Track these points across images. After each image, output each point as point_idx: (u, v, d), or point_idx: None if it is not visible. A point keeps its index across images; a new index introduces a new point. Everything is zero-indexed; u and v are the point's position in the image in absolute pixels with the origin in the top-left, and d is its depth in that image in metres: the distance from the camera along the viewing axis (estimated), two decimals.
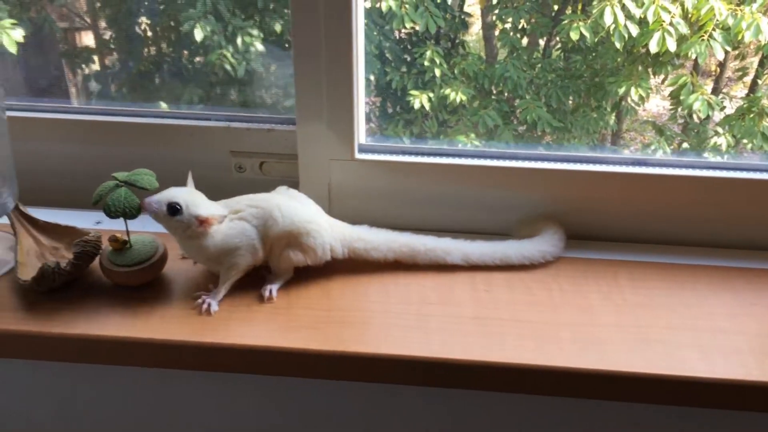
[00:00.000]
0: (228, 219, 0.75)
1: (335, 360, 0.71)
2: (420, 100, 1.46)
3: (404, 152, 0.86)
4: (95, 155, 0.94)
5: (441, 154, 0.86)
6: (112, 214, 0.73)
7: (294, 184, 0.91)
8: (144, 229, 0.80)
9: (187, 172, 0.87)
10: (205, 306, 0.74)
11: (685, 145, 1.56)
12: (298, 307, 0.77)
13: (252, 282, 0.78)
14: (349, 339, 0.72)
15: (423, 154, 0.86)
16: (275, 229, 0.76)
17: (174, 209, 0.72)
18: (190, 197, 0.73)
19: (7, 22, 1.18)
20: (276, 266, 0.79)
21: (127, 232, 0.77)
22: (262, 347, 0.72)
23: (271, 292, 0.77)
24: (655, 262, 0.84)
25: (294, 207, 0.78)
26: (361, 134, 0.86)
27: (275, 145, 0.90)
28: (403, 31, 1.51)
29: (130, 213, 0.73)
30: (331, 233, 0.79)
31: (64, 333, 0.72)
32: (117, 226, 0.80)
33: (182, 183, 0.78)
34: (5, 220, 0.82)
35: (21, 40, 1.17)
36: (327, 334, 0.73)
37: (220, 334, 0.73)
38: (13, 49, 1.15)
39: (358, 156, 0.85)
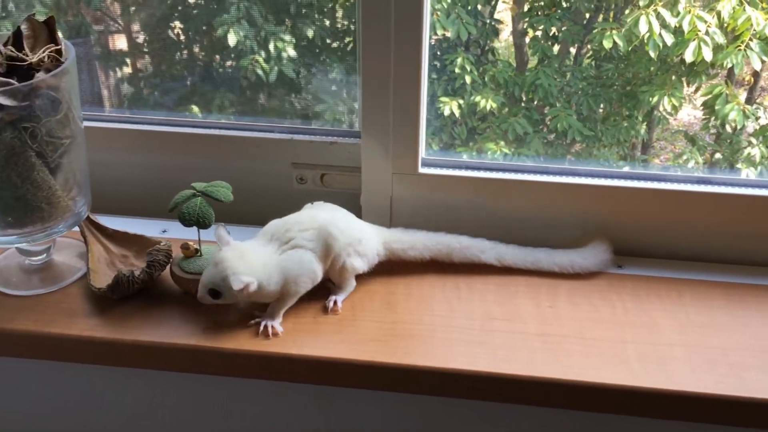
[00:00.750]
0: (281, 251, 0.75)
1: (402, 373, 0.72)
2: (450, 107, 1.47)
3: (467, 167, 0.87)
4: (160, 165, 0.96)
5: (503, 170, 0.87)
6: (186, 222, 0.75)
7: (355, 197, 0.92)
8: (239, 236, 0.81)
9: (249, 182, 0.88)
10: (269, 330, 0.74)
11: (717, 155, 1.55)
12: (364, 320, 0.77)
13: (316, 293, 0.79)
14: (416, 352, 0.73)
15: (485, 169, 0.87)
16: (337, 246, 0.76)
17: (215, 293, 0.73)
18: (232, 265, 0.71)
19: None
20: (339, 279, 0.80)
21: (199, 241, 0.79)
22: (329, 359, 0.73)
23: (336, 303, 0.78)
24: (718, 281, 0.84)
25: (344, 219, 0.79)
26: (423, 148, 0.87)
27: (337, 158, 0.92)
28: (432, 37, 1.51)
29: (203, 223, 0.75)
30: (373, 233, 0.81)
31: (136, 340, 0.74)
32: (184, 235, 0.82)
33: (245, 194, 0.80)
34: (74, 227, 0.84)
35: None
36: (393, 346, 0.74)
37: (287, 344, 0.74)
38: None
39: (421, 170, 0.86)
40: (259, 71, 1.22)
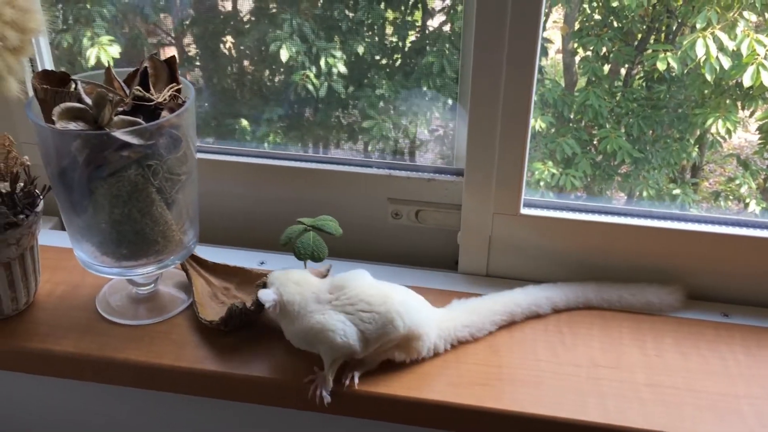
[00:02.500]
0: (329, 307, 0.72)
1: (510, 419, 0.71)
2: None
3: (570, 209, 0.86)
4: (256, 197, 0.97)
5: (606, 212, 0.86)
6: (301, 256, 0.77)
7: (450, 233, 0.92)
8: (335, 271, 0.82)
9: (344, 215, 0.89)
10: (318, 395, 0.72)
11: None
12: (467, 362, 0.77)
13: None
14: (524, 399, 0.72)
15: (589, 211, 0.86)
16: (393, 335, 0.73)
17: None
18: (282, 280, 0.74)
19: (105, 38, 1.24)
20: (369, 358, 0.75)
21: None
22: (435, 402, 0.73)
23: (353, 378, 0.73)
24: None
25: (414, 309, 0.74)
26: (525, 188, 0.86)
27: (433, 194, 0.92)
28: None
29: (317, 256, 0.77)
30: (437, 333, 0.77)
31: (249, 375, 0.75)
32: (282, 267, 0.82)
33: (342, 226, 0.81)
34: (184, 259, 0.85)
35: (117, 56, 1.23)
36: (500, 392, 0.73)
37: (393, 385, 0.74)
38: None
39: (523, 211, 0.86)
40: (309, 86, 1.24)
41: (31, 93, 0.75)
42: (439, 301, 0.82)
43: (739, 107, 1.41)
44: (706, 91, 1.42)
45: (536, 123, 1.47)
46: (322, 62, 1.23)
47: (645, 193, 1.53)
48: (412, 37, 1.44)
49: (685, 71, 1.34)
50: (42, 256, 0.85)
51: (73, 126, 0.67)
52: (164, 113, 0.72)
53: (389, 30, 1.38)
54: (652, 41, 1.47)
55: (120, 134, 0.68)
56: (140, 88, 0.72)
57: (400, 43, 1.40)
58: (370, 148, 1.33)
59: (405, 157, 1.28)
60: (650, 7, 1.44)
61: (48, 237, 0.95)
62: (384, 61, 1.36)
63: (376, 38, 1.32)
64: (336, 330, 0.71)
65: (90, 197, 0.72)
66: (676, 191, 1.53)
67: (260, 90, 1.31)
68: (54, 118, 0.67)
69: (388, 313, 0.72)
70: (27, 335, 0.80)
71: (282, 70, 1.30)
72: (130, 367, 0.77)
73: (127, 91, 0.74)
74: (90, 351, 0.78)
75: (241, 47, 1.35)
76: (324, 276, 0.77)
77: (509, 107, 0.80)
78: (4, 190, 0.77)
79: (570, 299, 0.84)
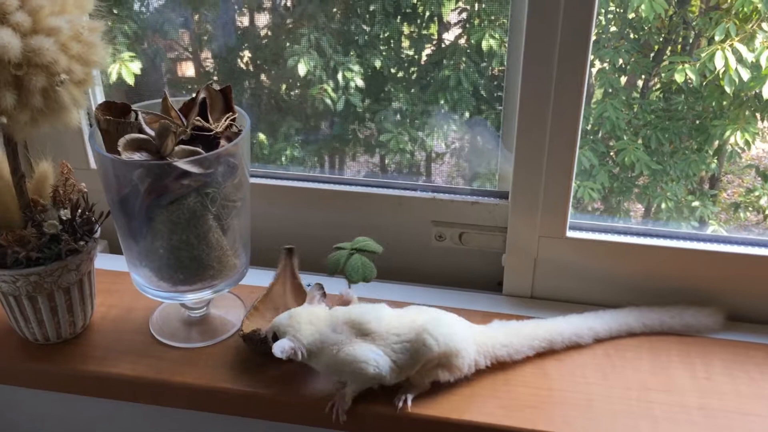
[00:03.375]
0: (361, 340, 0.73)
1: None
2: None
3: (615, 231, 0.87)
4: (299, 219, 0.99)
5: (651, 235, 0.87)
6: (353, 279, 0.79)
7: (494, 256, 0.94)
8: (369, 295, 0.84)
9: (387, 238, 0.90)
10: (335, 412, 0.74)
11: None
12: (516, 384, 0.78)
13: None
14: (577, 422, 0.73)
15: (634, 234, 0.87)
16: (429, 356, 0.73)
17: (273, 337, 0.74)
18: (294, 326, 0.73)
19: (126, 54, 1.26)
20: (417, 381, 0.76)
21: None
22: (487, 425, 0.73)
23: (406, 401, 0.75)
24: None
25: (445, 324, 0.74)
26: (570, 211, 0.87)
27: (477, 217, 0.93)
28: (497, 68, 1.51)
29: (368, 277, 0.79)
30: (475, 348, 0.77)
31: (304, 397, 0.76)
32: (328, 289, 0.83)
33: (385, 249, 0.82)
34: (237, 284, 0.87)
35: (138, 72, 1.26)
36: (552, 415, 0.74)
37: (444, 408, 0.75)
38: (131, 81, 1.23)
39: (569, 234, 0.87)
40: (327, 100, 1.25)
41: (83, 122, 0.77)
42: (484, 323, 0.83)
43: (758, 118, 1.41)
44: (724, 103, 1.42)
45: None
46: (340, 76, 1.25)
47: (663, 205, 1.53)
48: (428, 50, 1.45)
49: (704, 83, 1.34)
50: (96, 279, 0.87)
51: (137, 156, 0.69)
52: (222, 142, 0.74)
53: (406, 43, 1.39)
54: (668, 53, 1.48)
55: (182, 164, 0.70)
56: (200, 119, 0.74)
57: (416, 57, 1.41)
58: (387, 161, 1.34)
59: (421, 169, 1.29)
60: (667, 19, 1.45)
61: (99, 260, 0.97)
62: (401, 74, 1.38)
63: (393, 52, 1.33)
64: (368, 361, 0.71)
65: (149, 224, 0.74)
66: (695, 203, 1.53)
67: (277, 104, 1.33)
68: (119, 148, 0.69)
69: (419, 336, 0.72)
70: (85, 358, 0.82)
71: (299, 84, 1.31)
72: (186, 389, 0.78)
73: (184, 120, 0.76)
74: (147, 374, 0.79)
75: (258, 61, 1.37)
76: (346, 303, 0.78)
77: (557, 131, 0.81)
78: (64, 217, 0.79)
79: (612, 329, 0.84)
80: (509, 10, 0.85)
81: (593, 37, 0.77)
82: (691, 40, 1.46)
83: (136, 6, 1.31)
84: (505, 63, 0.91)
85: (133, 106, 0.76)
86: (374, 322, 0.73)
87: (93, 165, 1.00)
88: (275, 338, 0.73)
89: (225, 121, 0.75)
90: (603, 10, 1.45)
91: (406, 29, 1.34)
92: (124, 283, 0.92)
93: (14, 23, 0.64)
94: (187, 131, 0.73)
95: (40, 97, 0.67)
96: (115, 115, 0.74)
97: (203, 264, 0.77)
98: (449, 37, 1.39)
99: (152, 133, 0.72)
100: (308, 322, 0.73)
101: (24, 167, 0.77)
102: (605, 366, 0.80)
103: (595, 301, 0.88)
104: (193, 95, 0.78)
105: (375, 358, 0.72)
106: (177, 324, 0.87)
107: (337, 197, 0.97)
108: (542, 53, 0.78)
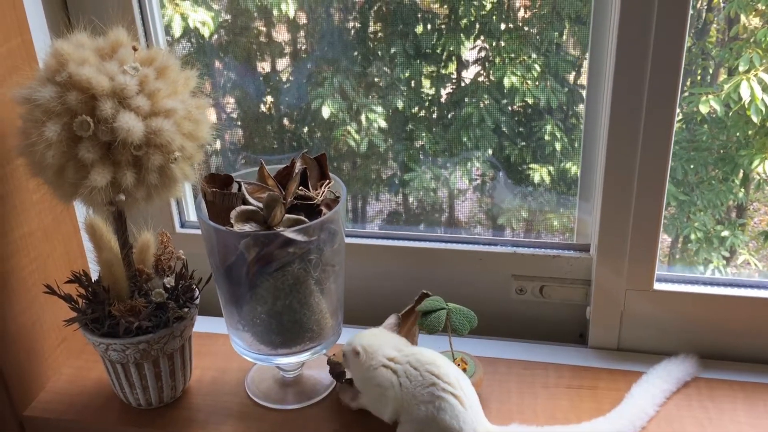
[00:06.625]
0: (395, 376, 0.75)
1: None
2: (540, 173, 1.47)
3: (703, 282, 0.88)
4: (381, 275, 1.01)
5: (738, 285, 0.87)
6: (460, 332, 0.82)
7: (576, 308, 0.95)
8: (461, 348, 0.85)
9: (468, 292, 0.92)
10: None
11: None
12: None
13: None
14: None
15: (720, 284, 0.87)
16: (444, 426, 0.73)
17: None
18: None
19: None
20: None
21: (452, 350, 0.83)
22: None
23: None
24: None
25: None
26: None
27: (558, 270, 0.94)
28: (517, 104, 1.52)
29: (472, 326, 0.83)
30: None
31: None
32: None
33: (462, 303, 0.83)
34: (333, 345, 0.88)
35: None
36: None
37: None
38: None
39: (656, 286, 0.87)
40: (351, 141, 1.26)
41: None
42: (568, 377, 0.85)
43: None
44: (750, 132, 1.43)
45: (578, 169, 1.49)
46: (363, 117, 1.27)
47: (693, 236, 1.53)
48: (449, 89, 1.47)
49: (730, 113, 1.35)
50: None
51: (248, 227, 0.72)
52: (323, 209, 0.77)
53: (426, 83, 1.41)
54: (688, 84, 1.50)
55: (289, 233, 0.72)
56: (302, 188, 0.76)
57: (437, 96, 1.44)
58: (411, 200, 1.35)
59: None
60: (686, 51, 1.46)
61: None
62: (422, 114, 1.39)
63: (413, 93, 1.36)
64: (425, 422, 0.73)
65: (253, 290, 0.77)
66: (725, 233, 1.53)
67: (300, 146, 1.35)
68: (232, 220, 0.72)
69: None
70: (187, 422, 0.83)
71: (322, 126, 1.33)
72: None
73: (281, 189, 0.79)
74: None
75: (280, 106, 1.40)
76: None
77: (644, 186, 0.83)
78: (168, 285, 0.81)
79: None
80: (585, 66, 0.88)
81: (681, 82, 0.80)
82: (711, 71, 1.47)
83: None
84: (582, 124, 0.93)
85: (236, 177, 0.79)
86: (430, 373, 0.74)
87: (179, 229, 1.03)
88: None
89: (324, 188, 0.78)
90: None
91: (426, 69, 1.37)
92: (216, 344, 0.95)
93: (135, 107, 0.67)
94: (288, 200, 0.76)
95: (157, 174, 0.70)
96: (218, 186, 0.77)
97: (304, 327, 0.79)
98: (469, 75, 1.41)
99: (257, 203, 0.75)
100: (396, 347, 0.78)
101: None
102: (702, 419, 0.80)
103: (672, 351, 0.89)
104: (287, 164, 0.81)
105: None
106: (271, 385, 0.88)
107: (416, 254, 0.99)
108: (628, 105, 0.80)
